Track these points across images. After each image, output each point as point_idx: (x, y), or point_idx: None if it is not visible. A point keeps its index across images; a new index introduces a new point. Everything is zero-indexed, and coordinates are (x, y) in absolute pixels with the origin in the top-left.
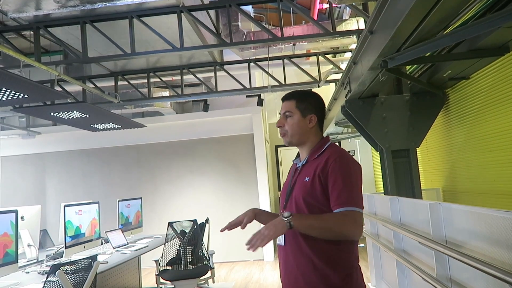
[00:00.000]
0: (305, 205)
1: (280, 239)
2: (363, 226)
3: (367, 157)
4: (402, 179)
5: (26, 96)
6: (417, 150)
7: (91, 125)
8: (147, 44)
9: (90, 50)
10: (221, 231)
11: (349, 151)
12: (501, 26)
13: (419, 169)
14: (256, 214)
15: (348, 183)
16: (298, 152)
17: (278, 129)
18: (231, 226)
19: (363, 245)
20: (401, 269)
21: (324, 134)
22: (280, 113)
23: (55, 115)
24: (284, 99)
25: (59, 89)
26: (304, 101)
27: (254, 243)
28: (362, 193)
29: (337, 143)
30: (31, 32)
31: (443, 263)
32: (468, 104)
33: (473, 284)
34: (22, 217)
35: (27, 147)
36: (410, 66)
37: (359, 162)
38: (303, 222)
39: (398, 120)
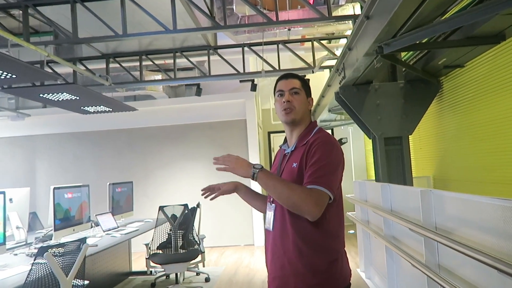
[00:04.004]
0: None
1: (269, 224)
2: (323, 208)
3: (359, 144)
4: (394, 167)
5: (14, 76)
6: (409, 138)
7: (82, 108)
8: (140, 26)
9: (81, 31)
10: (203, 189)
11: (341, 138)
12: (498, 13)
13: (411, 157)
14: (237, 188)
15: (325, 164)
16: (285, 138)
17: (282, 105)
18: (209, 189)
19: (353, 231)
20: (390, 255)
21: (318, 121)
22: (281, 90)
23: (44, 96)
24: (287, 76)
25: (49, 70)
26: (306, 83)
27: (225, 163)
28: (340, 179)
29: (329, 130)
30: (20, 12)
31: (432, 250)
32: (461, 92)
33: (461, 270)
34: (10, 199)
35: (17, 129)
36: (406, 53)
37: (351, 149)
38: (268, 180)
39: (391, 107)
